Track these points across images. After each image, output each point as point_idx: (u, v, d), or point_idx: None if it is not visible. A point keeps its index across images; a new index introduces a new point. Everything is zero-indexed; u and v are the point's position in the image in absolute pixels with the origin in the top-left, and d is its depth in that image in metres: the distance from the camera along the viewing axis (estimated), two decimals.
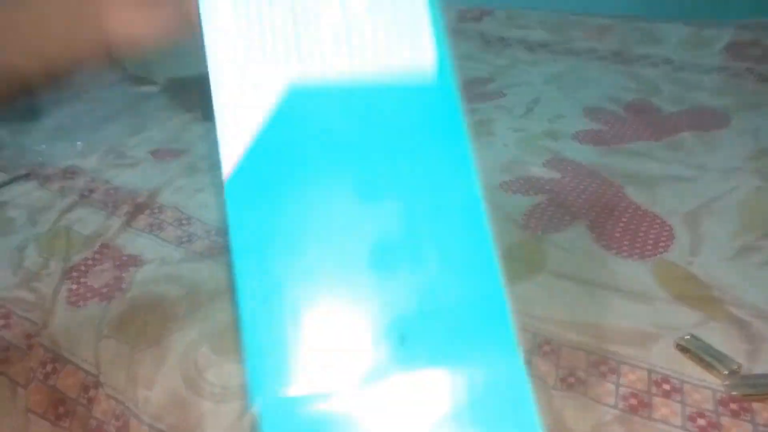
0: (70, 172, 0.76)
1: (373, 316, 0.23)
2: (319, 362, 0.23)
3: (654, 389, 0.43)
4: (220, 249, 0.60)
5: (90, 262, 0.60)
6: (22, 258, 0.61)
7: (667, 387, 0.43)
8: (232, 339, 0.50)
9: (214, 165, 0.75)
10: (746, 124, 0.78)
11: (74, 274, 0.59)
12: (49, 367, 0.53)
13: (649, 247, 0.57)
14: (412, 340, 0.24)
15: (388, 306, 0.24)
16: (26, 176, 0.75)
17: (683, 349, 0.45)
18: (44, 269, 0.60)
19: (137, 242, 0.62)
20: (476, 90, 0.93)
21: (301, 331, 0.24)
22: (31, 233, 0.65)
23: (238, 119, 0.24)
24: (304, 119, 0.24)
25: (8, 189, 0.73)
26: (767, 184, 0.65)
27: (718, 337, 0.46)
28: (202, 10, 0.25)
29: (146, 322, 0.53)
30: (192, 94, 0.93)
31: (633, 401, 0.42)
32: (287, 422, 0.24)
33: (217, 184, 0.69)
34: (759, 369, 0.44)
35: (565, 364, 0.45)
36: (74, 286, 0.58)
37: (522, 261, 0.56)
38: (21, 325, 0.55)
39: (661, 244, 0.57)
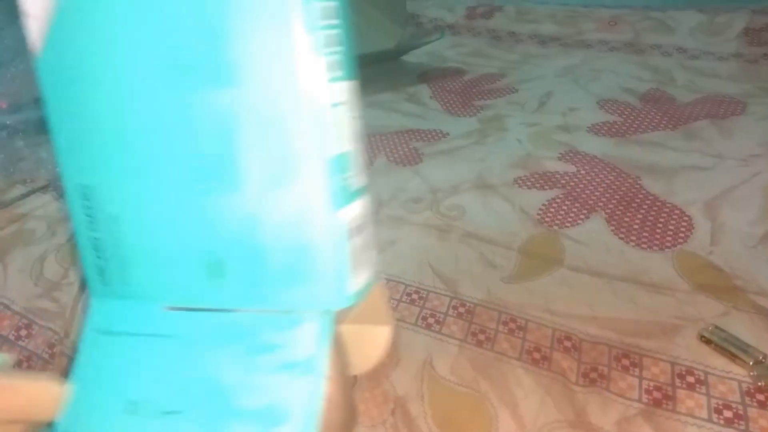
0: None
1: (187, 236, 0.23)
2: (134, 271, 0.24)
3: (678, 382, 0.42)
4: None
5: None
6: (43, 268, 0.62)
7: (691, 379, 0.42)
8: None
9: None
10: (764, 110, 0.77)
11: None
12: None
13: (669, 238, 0.56)
14: (226, 269, 0.23)
15: (206, 228, 0.23)
16: (45, 188, 0.76)
17: (706, 340, 0.45)
18: (64, 279, 0.61)
19: None
20: (488, 86, 0.92)
21: (117, 235, 0.23)
22: (51, 244, 0.65)
23: None
24: None
25: (28, 201, 0.74)
26: None
27: (741, 327, 0.46)
28: None
29: None
30: None
31: (657, 395, 0.42)
32: (104, 323, 0.24)
33: None
34: None
35: (587, 360, 0.45)
36: None
37: (539, 257, 0.55)
38: (43, 335, 0.56)
39: (681, 234, 0.57)
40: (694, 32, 1.00)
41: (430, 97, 0.90)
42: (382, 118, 0.86)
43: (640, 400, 0.42)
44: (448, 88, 0.93)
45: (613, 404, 0.41)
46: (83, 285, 0.59)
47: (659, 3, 1.12)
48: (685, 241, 0.56)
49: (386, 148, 0.76)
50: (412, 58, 1.05)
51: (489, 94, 0.89)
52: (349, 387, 0.22)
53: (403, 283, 0.53)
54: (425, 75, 0.99)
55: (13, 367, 0.52)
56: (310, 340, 0.21)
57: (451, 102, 0.88)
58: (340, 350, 0.22)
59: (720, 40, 0.97)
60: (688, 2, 1.09)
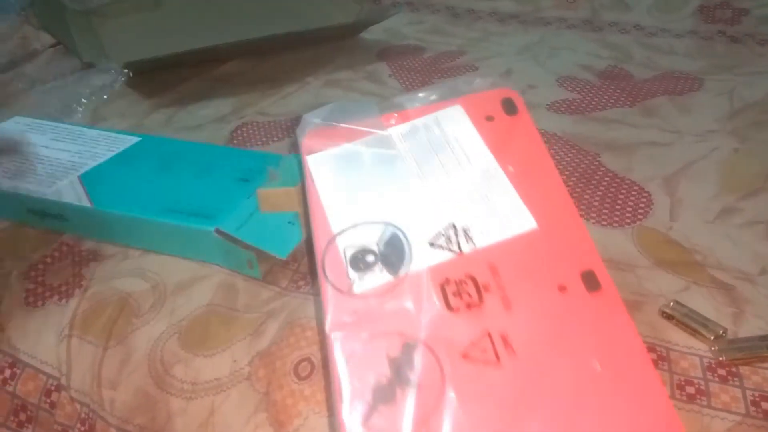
0: None
1: None
2: None
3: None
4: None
5: (48, 259, 0.57)
6: None
7: (653, 356, 0.42)
8: (199, 333, 0.48)
9: None
10: (720, 86, 0.77)
11: (32, 273, 0.56)
12: (7, 373, 0.51)
13: (628, 215, 0.56)
14: None
15: None
16: None
17: (668, 316, 0.44)
18: None
19: None
20: (447, 64, 0.91)
21: None
22: None
23: None
24: None
25: None
26: (744, 145, 0.64)
27: (702, 301, 0.45)
28: None
29: (109, 319, 0.50)
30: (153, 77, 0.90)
31: None
32: None
33: None
34: (745, 332, 0.43)
35: None
36: (32, 286, 0.55)
37: None
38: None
39: (640, 210, 0.56)
40: (651, 10, 1.00)
41: (390, 75, 0.88)
42: (340, 96, 0.83)
43: None
44: (407, 66, 0.90)
45: None
46: (21, 276, 0.56)
47: None
48: (645, 218, 0.55)
49: None
50: (370, 35, 1.02)
51: (449, 72, 0.88)
52: None
53: None
54: (384, 52, 0.96)
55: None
56: None
57: (411, 80, 0.86)
58: None
59: (676, 17, 0.97)
60: None
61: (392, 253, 0.30)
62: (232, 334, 0.47)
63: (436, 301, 0.28)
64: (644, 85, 0.79)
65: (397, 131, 0.34)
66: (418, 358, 0.27)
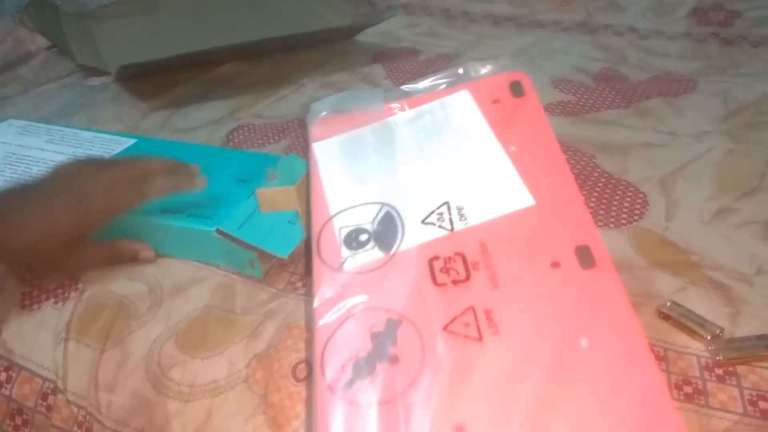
0: None
1: None
2: None
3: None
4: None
5: None
6: None
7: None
8: (197, 335, 0.48)
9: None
10: (714, 88, 0.77)
11: (27, 276, 0.56)
12: (3, 376, 0.50)
13: (624, 216, 0.56)
14: None
15: None
16: None
17: (665, 316, 0.44)
18: None
19: None
20: (442, 66, 0.91)
21: None
22: None
23: None
24: None
25: None
26: (738, 146, 0.64)
27: (698, 302, 0.45)
28: None
29: (106, 322, 0.50)
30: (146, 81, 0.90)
31: None
32: None
33: None
34: (741, 332, 0.43)
35: None
36: (27, 289, 0.55)
37: None
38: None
39: (636, 211, 0.56)
40: (645, 12, 1.00)
41: (385, 78, 0.88)
42: None
43: None
44: (402, 69, 0.91)
45: None
46: (16, 279, 0.55)
47: None
48: (641, 218, 0.55)
49: None
50: (366, 38, 1.02)
51: None
52: None
53: None
54: (379, 55, 0.96)
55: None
56: None
57: (406, 82, 0.86)
58: None
59: (670, 19, 0.98)
60: None
61: (385, 232, 0.30)
62: (230, 336, 0.47)
63: (423, 277, 0.28)
64: (639, 87, 0.80)
65: (402, 117, 0.35)
66: (400, 332, 0.27)
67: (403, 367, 0.25)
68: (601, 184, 0.60)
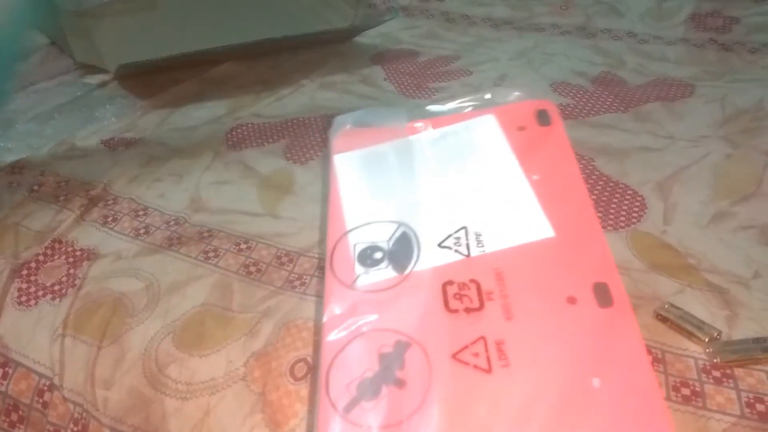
0: (17, 167, 0.71)
1: None
2: None
3: None
4: (180, 239, 0.57)
5: (41, 258, 0.57)
6: None
7: (648, 358, 0.42)
8: (194, 333, 0.48)
9: (170, 153, 0.71)
10: (712, 93, 0.78)
11: (24, 272, 0.56)
12: None
13: (623, 218, 0.56)
14: None
15: None
16: None
17: (663, 318, 0.44)
18: None
19: (91, 236, 0.59)
20: (442, 68, 0.91)
21: None
22: None
23: None
24: None
25: None
26: (736, 151, 0.65)
27: (696, 304, 0.46)
28: None
29: (103, 318, 0.50)
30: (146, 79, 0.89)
31: None
32: None
33: (175, 172, 0.66)
34: (738, 334, 0.43)
35: None
36: (24, 285, 0.54)
37: None
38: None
39: (634, 214, 0.57)
40: (644, 17, 1.01)
41: (384, 79, 0.88)
42: (335, 99, 0.83)
43: None
44: (402, 70, 0.91)
45: None
46: (13, 275, 0.55)
47: None
48: (639, 221, 0.56)
49: None
50: (366, 39, 1.03)
51: (443, 77, 0.88)
52: None
53: None
54: (379, 56, 0.96)
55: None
56: None
57: (406, 84, 0.87)
58: None
59: (668, 25, 0.98)
60: None
61: (400, 252, 0.30)
62: (227, 334, 0.47)
63: (436, 302, 0.28)
64: (637, 91, 0.80)
65: (425, 136, 0.34)
66: (409, 356, 0.26)
67: (409, 392, 0.25)
68: (599, 187, 0.60)
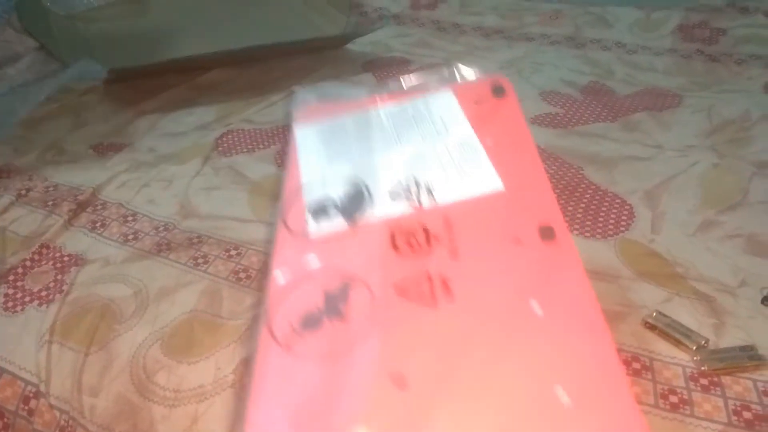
0: (5, 172, 0.71)
1: None
2: None
3: (624, 369, 0.42)
4: (169, 245, 0.57)
5: (28, 263, 0.56)
6: None
7: (637, 365, 0.42)
8: (183, 339, 0.47)
9: (160, 158, 0.71)
10: (699, 103, 0.78)
11: (10, 277, 0.55)
12: None
13: (611, 227, 0.56)
14: None
15: None
16: None
17: (651, 326, 0.45)
18: None
19: (79, 241, 0.58)
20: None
21: None
22: None
23: None
24: None
25: None
26: (723, 160, 0.65)
27: (683, 312, 0.46)
28: None
29: (90, 325, 0.49)
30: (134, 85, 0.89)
31: None
32: None
33: (164, 177, 0.66)
34: (725, 342, 0.44)
35: None
36: (11, 291, 0.54)
37: None
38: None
39: (622, 223, 0.57)
40: (632, 28, 1.02)
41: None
42: None
43: None
44: (393, 78, 0.91)
45: None
46: None
47: None
48: (627, 230, 0.56)
49: None
50: (357, 47, 1.03)
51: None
52: None
53: None
54: (370, 64, 0.97)
55: None
56: None
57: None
58: None
59: (656, 35, 0.99)
60: None
61: (353, 205, 0.30)
62: (217, 340, 0.47)
63: (384, 245, 0.28)
64: (625, 101, 0.81)
65: (385, 109, 0.35)
66: (354, 293, 0.27)
67: (352, 325, 0.25)
68: (588, 196, 0.61)
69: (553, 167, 0.66)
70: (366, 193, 0.31)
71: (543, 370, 0.22)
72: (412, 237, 0.29)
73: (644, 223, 0.57)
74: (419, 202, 0.30)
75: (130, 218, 0.61)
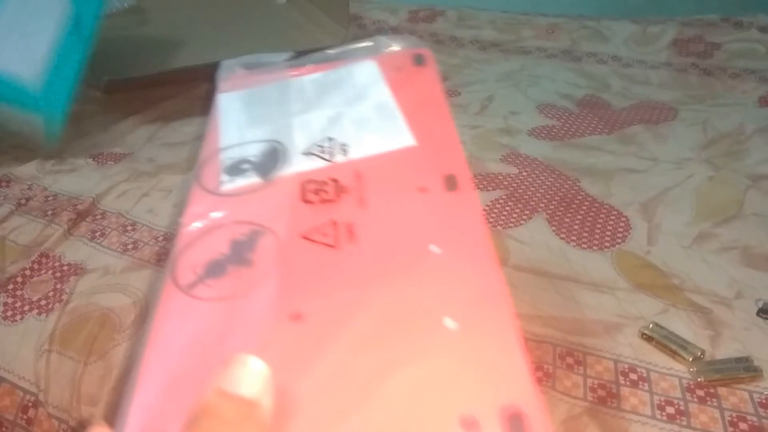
0: (4, 181, 0.71)
1: None
2: None
3: (621, 379, 0.43)
4: (168, 255, 0.57)
5: (27, 272, 0.56)
6: None
7: (634, 377, 0.43)
8: None
9: (159, 168, 0.71)
10: (694, 116, 0.79)
11: (10, 286, 0.55)
12: None
13: (608, 239, 0.57)
14: None
15: None
16: None
17: (647, 337, 0.45)
18: None
19: (79, 250, 0.59)
20: None
21: None
22: None
23: None
24: None
25: None
26: (718, 173, 0.66)
27: (680, 324, 0.46)
28: None
29: (90, 334, 0.50)
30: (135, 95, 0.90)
31: (602, 392, 0.42)
32: None
33: (164, 187, 0.66)
34: (721, 354, 0.44)
35: (531, 359, 0.44)
36: (10, 300, 0.54)
37: None
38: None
39: (619, 235, 0.57)
40: (628, 42, 1.03)
41: None
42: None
43: (585, 399, 0.41)
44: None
45: (558, 403, 0.41)
46: None
47: (595, 13, 1.15)
48: (624, 241, 0.57)
49: None
50: None
51: None
52: None
53: None
54: None
55: None
56: None
57: None
58: None
59: (651, 49, 1.00)
60: (621, 13, 1.13)
61: (267, 162, 0.32)
62: None
63: (294, 196, 0.30)
64: (621, 114, 0.82)
65: (308, 78, 0.37)
66: (261, 242, 0.27)
67: (256, 270, 0.26)
68: (585, 208, 0.61)
69: (550, 179, 0.66)
70: (282, 150, 0.32)
71: (434, 302, 0.23)
72: (321, 189, 0.30)
73: (640, 235, 0.57)
74: (332, 157, 0.31)
75: (129, 228, 0.61)
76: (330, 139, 0.32)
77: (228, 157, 0.32)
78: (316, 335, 0.23)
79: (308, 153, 0.32)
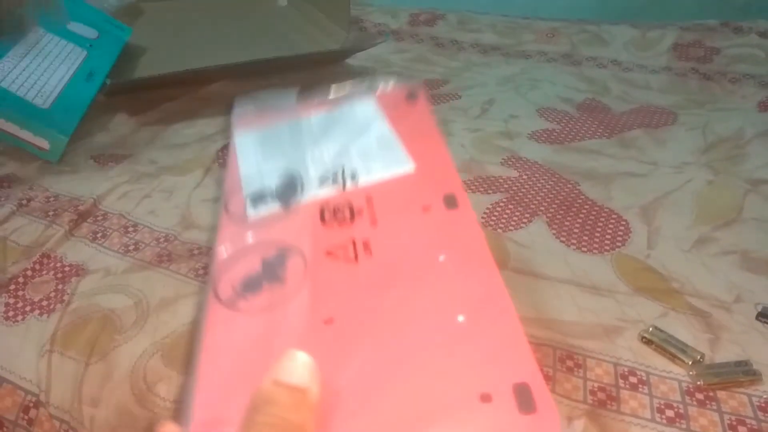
0: (6, 181, 0.71)
1: None
2: None
3: (621, 382, 0.43)
4: (170, 256, 0.57)
5: (29, 273, 0.56)
6: None
7: (633, 380, 0.43)
8: (183, 350, 0.48)
9: (161, 170, 0.72)
10: (694, 121, 0.80)
11: (11, 287, 0.55)
12: None
13: (608, 242, 0.57)
14: None
15: None
16: None
17: (647, 341, 0.45)
18: None
19: (80, 251, 0.59)
20: (431, 92, 0.92)
21: None
22: None
23: None
24: None
25: None
26: (718, 177, 0.66)
27: (680, 327, 0.47)
28: None
29: (91, 335, 0.50)
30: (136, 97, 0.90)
31: (601, 395, 0.42)
32: None
33: (165, 189, 0.67)
34: (721, 357, 0.44)
35: None
36: (11, 300, 0.54)
37: None
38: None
39: (619, 238, 0.58)
40: (627, 46, 1.03)
41: None
42: None
43: (585, 401, 0.42)
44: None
45: (559, 406, 0.41)
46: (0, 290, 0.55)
47: (595, 17, 1.16)
48: (623, 245, 0.57)
49: None
50: (356, 61, 1.04)
51: (432, 100, 0.89)
52: None
53: None
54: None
55: None
56: None
57: None
58: None
59: (651, 54, 1.01)
60: (621, 17, 1.13)
61: (286, 191, 0.36)
62: None
63: (314, 219, 0.34)
64: (621, 118, 0.82)
65: (316, 116, 0.43)
66: (290, 260, 0.32)
67: (288, 284, 0.30)
68: (585, 211, 0.61)
69: (550, 182, 0.66)
70: (298, 181, 0.37)
71: (446, 302, 0.28)
72: (338, 212, 0.35)
73: (640, 238, 0.57)
74: (344, 185, 0.36)
75: (131, 229, 0.62)
76: (342, 168, 0.37)
77: (250, 188, 0.37)
78: (347, 335, 0.27)
79: (323, 181, 0.37)
